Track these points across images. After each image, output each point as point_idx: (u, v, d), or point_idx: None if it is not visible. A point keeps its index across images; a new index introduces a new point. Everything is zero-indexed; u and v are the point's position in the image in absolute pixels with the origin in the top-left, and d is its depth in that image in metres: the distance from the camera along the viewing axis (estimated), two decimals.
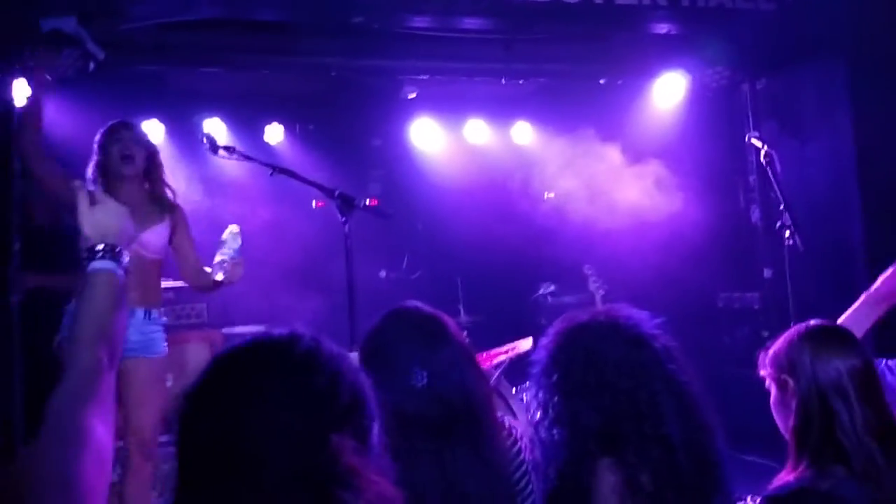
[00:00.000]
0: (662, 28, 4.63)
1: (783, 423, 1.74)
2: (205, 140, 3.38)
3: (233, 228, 3.47)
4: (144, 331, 3.32)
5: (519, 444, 1.68)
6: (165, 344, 3.39)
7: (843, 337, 1.73)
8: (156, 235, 3.38)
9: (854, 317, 2.18)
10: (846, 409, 1.62)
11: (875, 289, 2.17)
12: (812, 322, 1.78)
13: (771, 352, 1.78)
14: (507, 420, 1.75)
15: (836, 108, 4.63)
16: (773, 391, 1.76)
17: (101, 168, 3.35)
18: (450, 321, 1.65)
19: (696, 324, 5.12)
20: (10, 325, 3.94)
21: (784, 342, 1.75)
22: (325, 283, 4.94)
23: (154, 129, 5.15)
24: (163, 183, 3.47)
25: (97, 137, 3.40)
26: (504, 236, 5.75)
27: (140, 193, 3.39)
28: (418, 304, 1.69)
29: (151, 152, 3.45)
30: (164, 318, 3.47)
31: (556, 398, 1.34)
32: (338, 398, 1.04)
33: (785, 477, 1.65)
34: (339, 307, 3.58)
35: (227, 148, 3.37)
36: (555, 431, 1.32)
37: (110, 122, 3.44)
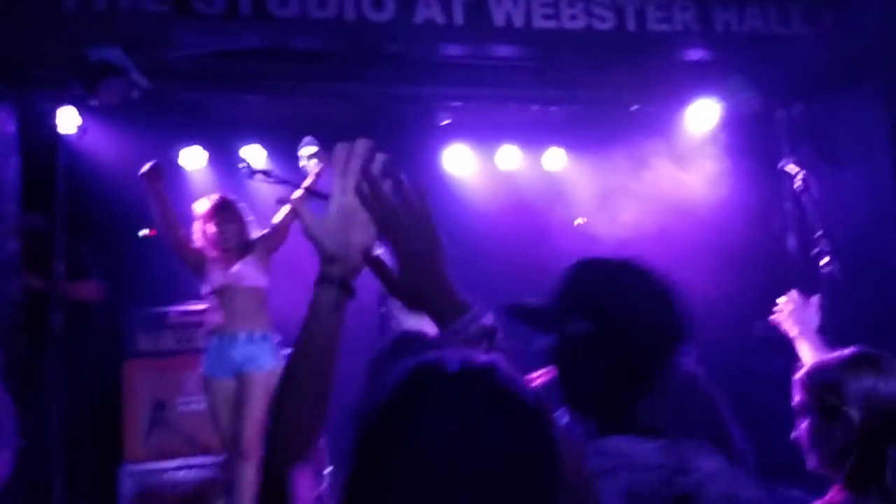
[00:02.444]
0: (695, 54, 4.64)
1: (820, 451, 1.69)
2: (242, 165, 3.49)
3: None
4: (245, 350, 4.00)
5: None
6: (276, 361, 4.02)
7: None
8: (246, 266, 4.14)
9: (817, 350, 2.26)
10: None
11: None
12: (859, 348, 1.73)
13: (816, 377, 1.71)
14: None
15: (873, 133, 4.59)
16: (816, 418, 1.70)
17: (206, 235, 4.19)
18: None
19: (732, 352, 5.04)
20: (51, 345, 4.04)
21: (836, 368, 1.68)
22: (357, 306, 4.97)
23: (196, 156, 5.28)
24: (248, 236, 4.25)
25: (203, 211, 4.21)
26: (536, 262, 5.73)
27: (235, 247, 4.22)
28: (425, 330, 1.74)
29: (243, 222, 4.24)
30: (276, 338, 4.16)
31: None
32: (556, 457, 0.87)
33: None
34: (370, 330, 3.61)
35: (263, 172, 3.47)
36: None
37: (214, 202, 4.22)
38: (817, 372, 1.72)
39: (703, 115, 5.18)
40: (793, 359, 5.53)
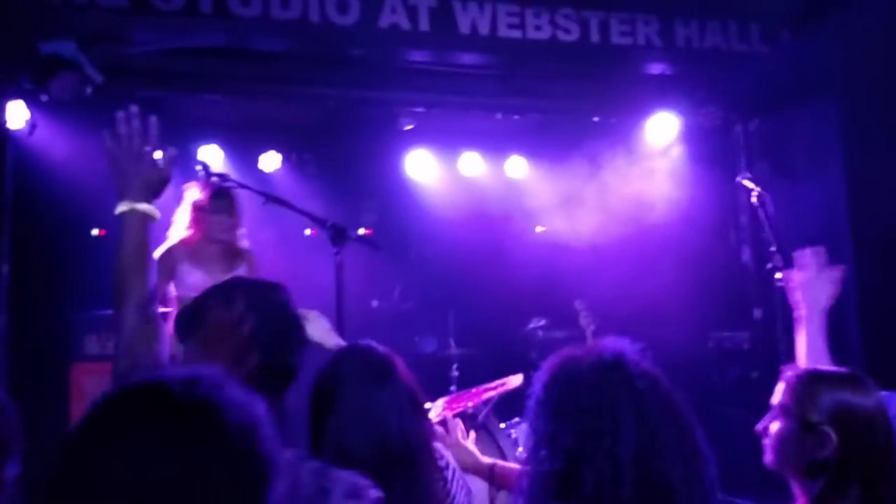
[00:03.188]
0: (657, 68, 4.70)
1: (785, 457, 1.67)
2: (199, 167, 3.41)
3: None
4: None
5: (448, 486, 1.74)
6: None
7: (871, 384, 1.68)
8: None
9: (811, 344, 2.11)
10: (887, 460, 1.58)
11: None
12: (846, 369, 1.72)
13: (807, 386, 1.67)
14: (446, 461, 1.77)
15: (827, 150, 4.68)
16: (791, 427, 1.67)
17: (194, 223, 3.78)
18: (399, 363, 1.69)
19: (686, 363, 5.10)
20: None
21: (830, 384, 1.66)
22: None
23: None
24: (238, 239, 3.88)
25: (198, 196, 3.76)
26: (496, 269, 5.75)
27: (220, 247, 3.84)
28: (372, 343, 1.74)
29: (238, 219, 3.84)
30: None
31: (540, 422, 1.41)
32: (216, 472, 0.85)
33: None
34: None
35: (220, 175, 3.39)
36: (540, 453, 1.38)
37: (214, 189, 3.77)
38: (809, 381, 1.68)
39: (662, 127, 5.24)
40: (746, 370, 5.60)
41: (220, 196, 3.78)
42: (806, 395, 1.66)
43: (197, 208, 3.80)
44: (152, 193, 1.63)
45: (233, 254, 3.90)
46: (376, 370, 1.64)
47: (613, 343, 1.46)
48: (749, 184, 3.53)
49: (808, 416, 1.64)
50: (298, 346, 1.54)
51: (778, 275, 3.01)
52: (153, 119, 1.68)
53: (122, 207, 1.58)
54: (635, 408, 1.35)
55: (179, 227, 3.81)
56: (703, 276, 5.13)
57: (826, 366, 2.00)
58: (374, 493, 1.38)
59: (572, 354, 1.48)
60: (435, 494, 1.60)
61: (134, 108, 1.69)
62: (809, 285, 2.14)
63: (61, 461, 0.88)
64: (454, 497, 1.72)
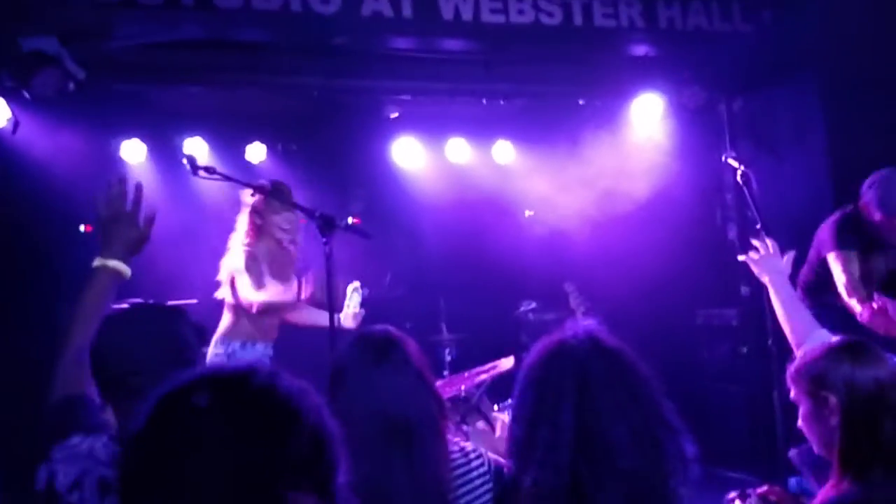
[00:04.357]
0: (640, 50, 4.71)
1: (816, 437, 1.77)
2: (185, 160, 3.38)
3: (355, 284, 3.98)
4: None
5: (474, 462, 1.79)
6: None
7: (874, 350, 1.77)
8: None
9: (787, 303, 2.31)
10: (891, 420, 1.64)
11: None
12: (841, 338, 1.84)
13: (804, 368, 1.79)
14: (479, 453, 1.83)
15: (810, 127, 4.72)
16: (807, 406, 1.78)
17: (257, 228, 3.71)
18: (410, 345, 1.77)
19: (675, 340, 5.17)
20: None
21: (819, 358, 1.77)
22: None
23: (135, 149, 5.14)
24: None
25: (257, 197, 3.68)
26: (485, 254, 5.77)
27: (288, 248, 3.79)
28: (388, 327, 1.82)
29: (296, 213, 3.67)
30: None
31: (515, 397, 1.55)
32: (296, 446, 0.90)
33: (828, 493, 1.67)
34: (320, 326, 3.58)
35: (207, 168, 3.36)
36: (513, 424, 1.53)
37: (275, 184, 3.68)
38: (803, 365, 1.81)
39: (647, 108, 5.26)
40: (735, 345, 5.64)
41: (278, 193, 3.65)
42: (803, 377, 1.78)
43: (281, 212, 3.69)
44: (130, 252, 1.76)
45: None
46: (380, 352, 1.72)
47: (579, 324, 1.58)
48: (734, 162, 3.56)
49: (812, 392, 1.75)
50: (133, 369, 1.64)
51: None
52: (140, 183, 1.82)
53: (96, 262, 1.72)
54: (579, 377, 1.46)
55: (241, 234, 3.76)
56: (691, 255, 5.17)
57: (811, 319, 2.25)
58: None
59: (553, 337, 1.58)
60: (437, 469, 1.66)
61: (123, 177, 1.82)
62: (770, 261, 2.45)
63: (138, 459, 0.89)
64: (461, 483, 1.75)
